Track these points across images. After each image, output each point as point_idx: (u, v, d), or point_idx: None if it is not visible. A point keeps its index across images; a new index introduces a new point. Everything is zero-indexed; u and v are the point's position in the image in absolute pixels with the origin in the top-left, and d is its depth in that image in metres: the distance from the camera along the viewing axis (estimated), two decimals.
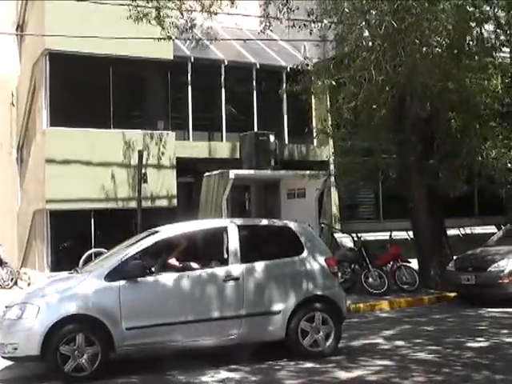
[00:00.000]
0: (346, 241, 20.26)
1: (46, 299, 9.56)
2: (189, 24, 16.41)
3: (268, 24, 16.25)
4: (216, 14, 16.11)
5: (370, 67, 14.17)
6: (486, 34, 16.06)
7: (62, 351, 9.24)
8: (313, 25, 16.42)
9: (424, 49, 14.67)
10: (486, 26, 16.15)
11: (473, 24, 15.29)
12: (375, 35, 14.45)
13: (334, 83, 15.22)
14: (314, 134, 20.82)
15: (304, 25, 16.38)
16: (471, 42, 16.13)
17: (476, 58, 16.85)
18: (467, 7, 14.14)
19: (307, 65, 18.40)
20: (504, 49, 17.32)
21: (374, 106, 15.16)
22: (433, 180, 17.53)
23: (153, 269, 10.32)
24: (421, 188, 17.80)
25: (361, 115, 16.07)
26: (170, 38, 16.44)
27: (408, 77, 14.73)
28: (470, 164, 17.72)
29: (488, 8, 15.54)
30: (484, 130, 17.47)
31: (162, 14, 15.57)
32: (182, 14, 16.05)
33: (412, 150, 17.81)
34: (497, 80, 16.04)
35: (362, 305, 15.70)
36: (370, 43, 15.05)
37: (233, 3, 16.01)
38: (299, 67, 18.05)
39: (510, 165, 17.34)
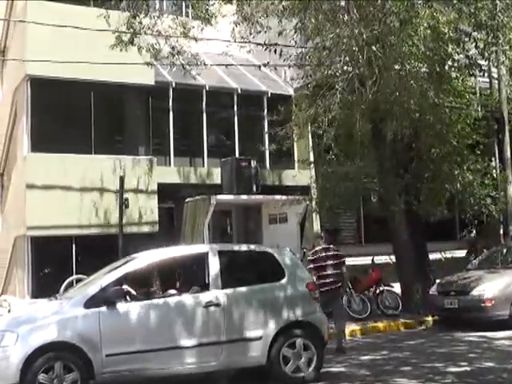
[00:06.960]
0: None
1: (25, 327, 9.44)
2: (175, 50, 16.53)
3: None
4: (201, 39, 16.25)
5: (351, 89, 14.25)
6: (463, 58, 16.07)
7: (40, 379, 9.14)
8: (293, 50, 16.52)
9: (402, 73, 14.72)
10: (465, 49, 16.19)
11: (450, 46, 15.33)
12: (354, 57, 14.48)
13: (313, 110, 15.25)
14: (296, 160, 20.84)
15: (280, 52, 16.43)
16: (449, 65, 16.18)
17: (454, 82, 16.94)
18: (442, 28, 14.10)
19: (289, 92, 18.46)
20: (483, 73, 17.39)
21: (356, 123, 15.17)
22: (413, 203, 17.54)
23: (133, 294, 10.27)
24: (402, 212, 17.80)
25: (340, 141, 16.09)
26: (151, 64, 16.49)
27: (387, 99, 14.76)
28: (450, 189, 17.80)
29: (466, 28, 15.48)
30: (460, 159, 17.65)
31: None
32: (167, 40, 16.18)
33: (392, 174, 17.83)
34: (474, 106, 16.09)
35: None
36: (350, 68, 15.11)
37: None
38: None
39: (485, 191, 17.50)
